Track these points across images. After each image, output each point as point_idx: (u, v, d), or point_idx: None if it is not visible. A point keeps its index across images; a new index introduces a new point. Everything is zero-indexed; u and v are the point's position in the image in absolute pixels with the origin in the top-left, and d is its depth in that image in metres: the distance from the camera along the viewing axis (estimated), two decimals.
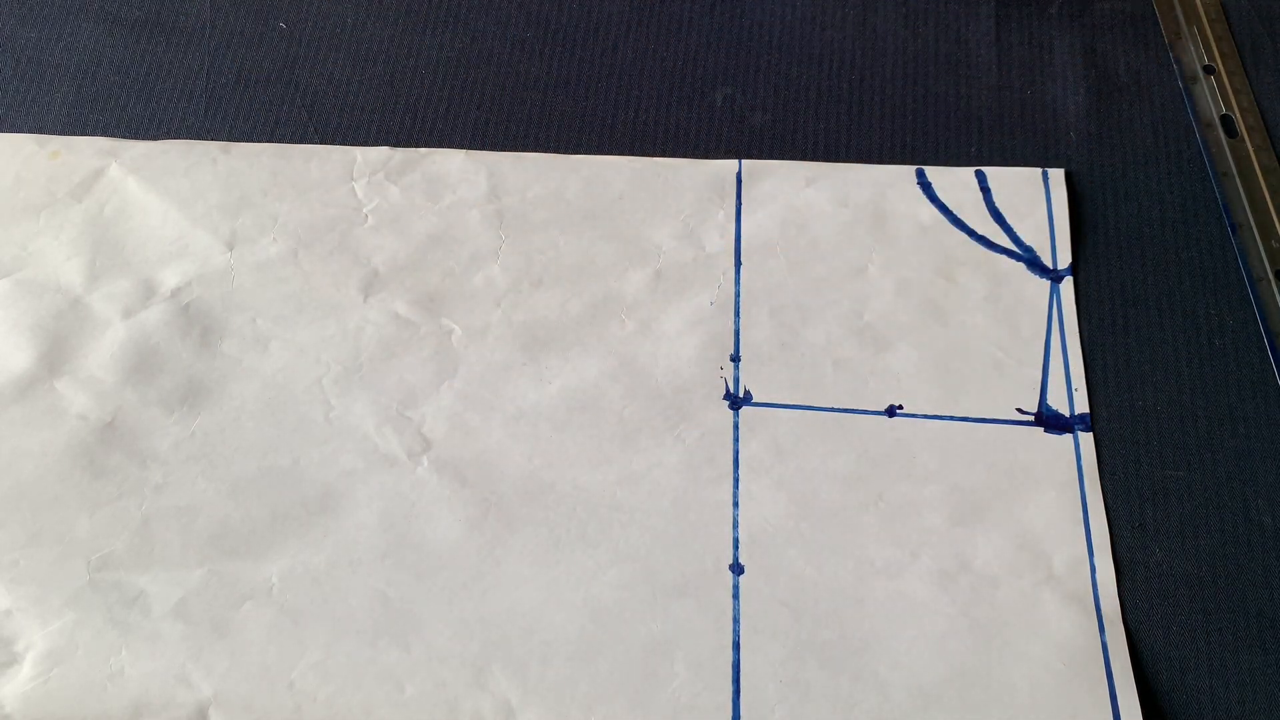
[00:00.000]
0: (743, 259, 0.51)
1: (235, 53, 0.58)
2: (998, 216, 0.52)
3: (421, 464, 0.46)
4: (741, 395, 0.48)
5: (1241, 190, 0.53)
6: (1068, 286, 0.50)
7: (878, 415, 0.47)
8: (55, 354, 0.48)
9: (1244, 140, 0.54)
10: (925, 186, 0.52)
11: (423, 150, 0.54)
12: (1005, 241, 0.51)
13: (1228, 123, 0.55)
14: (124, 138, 0.55)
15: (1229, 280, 0.51)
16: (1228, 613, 0.44)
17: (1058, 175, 0.53)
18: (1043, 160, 0.54)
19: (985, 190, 0.53)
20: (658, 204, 0.53)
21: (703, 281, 0.50)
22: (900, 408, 0.47)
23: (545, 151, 0.54)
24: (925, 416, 0.47)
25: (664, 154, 0.54)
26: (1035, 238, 0.51)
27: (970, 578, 0.44)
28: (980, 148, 0.54)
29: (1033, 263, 0.51)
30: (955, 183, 0.53)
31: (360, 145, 0.54)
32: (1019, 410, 0.47)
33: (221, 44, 0.58)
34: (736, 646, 0.43)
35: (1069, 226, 0.51)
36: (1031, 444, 0.47)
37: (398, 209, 0.52)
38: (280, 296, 0.50)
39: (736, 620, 0.43)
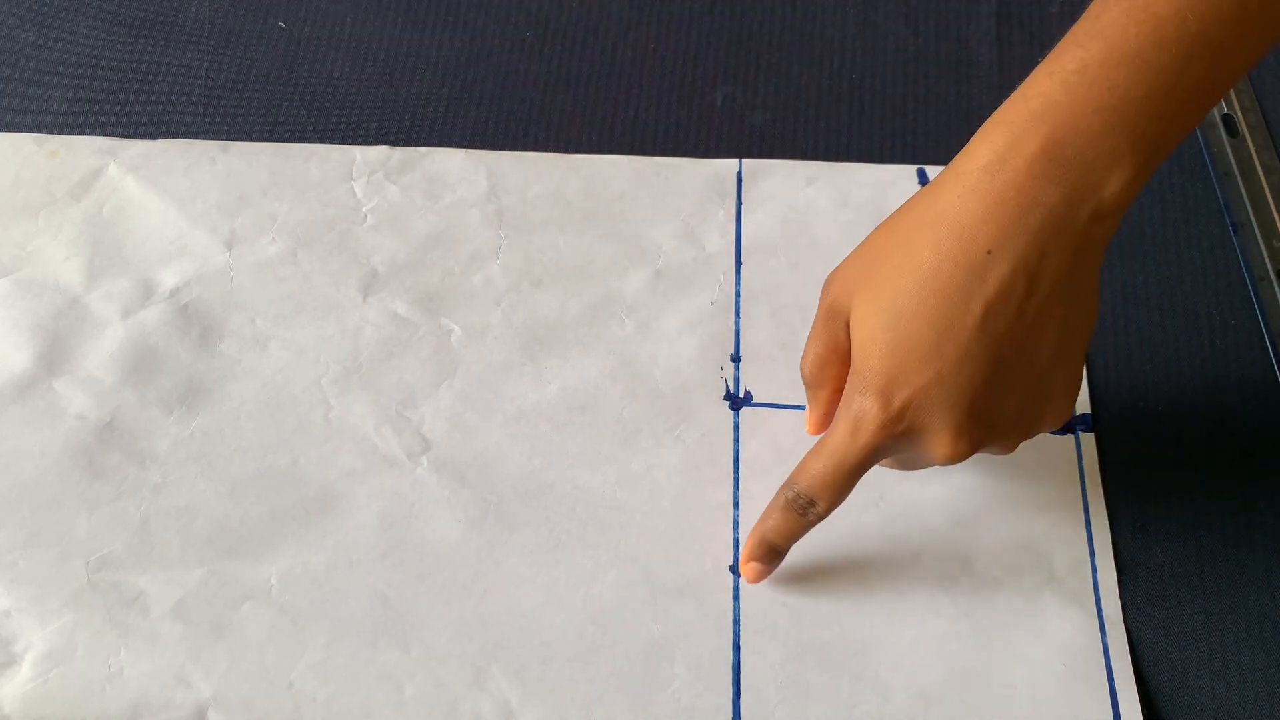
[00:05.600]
0: (743, 259, 0.51)
1: (234, 52, 0.57)
2: None
3: (421, 464, 0.46)
4: (741, 395, 0.48)
5: (1243, 189, 0.53)
6: None
7: None
8: (54, 354, 0.48)
9: (1245, 140, 0.54)
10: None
11: (422, 149, 0.54)
12: None
13: (1229, 122, 0.55)
14: (123, 137, 0.54)
15: (1230, 280, 0.51)
16: (1228, 613, 0.44)
17: None
18: None
19: None
20: (658, 204, 0.52)
21: (703, 281, 0.50)
22: None
23: (545, 151, 0.54)
24: None
25: (664, 154, 0.54)
26: None
27: (971, 579, 0.44)
28: None
29: None
30: None
31: (359, 145, 0.54)
32: None
33: (220, 43, 0.58)
34: (736, 648, 0.43)
35: None
36: (1033, 444, 0.46)
37: (397, 208, 0.52)
38: (279, 296, 0.50)
39: (736, 621, 0.43)
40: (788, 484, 0.40)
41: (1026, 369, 0.36)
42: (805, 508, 0.39)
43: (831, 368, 0.40)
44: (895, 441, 0.37)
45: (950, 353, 0.35)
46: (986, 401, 0.36)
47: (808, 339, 0.41)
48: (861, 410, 0.36)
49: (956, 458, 0.37)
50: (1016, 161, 0.35)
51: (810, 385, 0.41)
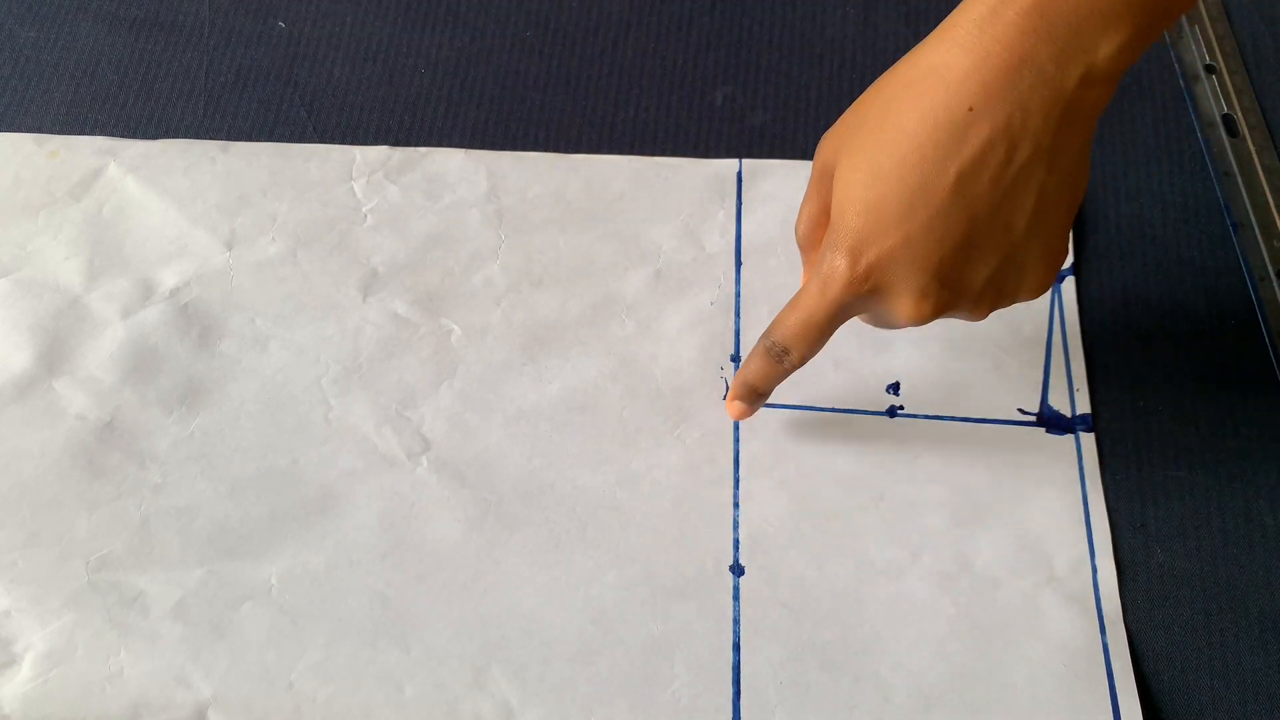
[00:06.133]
0: (743, 259, 0.51)
1: (234, 52, 0.57)
2: None
3: (421, 464, 0.46)
4: None
5: (1243, 189, 0.53)
6: (1069, 286, 0.50)
7: (878, 415, 0.47)
8: (54, 354, 0.48)
9: (1245, 139, 0.54)
10: None
11: (422, 149, 0.54)
12: None
13: (1229, 122, 0.55)
14: (123, 137, 0.54)
15: (1230, 280, 0.51)
16: (1228, 613, 0.44)
17: None
18: None
19: None
20: (658, 204, 0.52)
21: (703, 281, 0.50)
22: (901, 408, 0.47)
23: (545, 151, 0.54)
24: (926, 417, 0.47)
25: (664, 154, 0.54)
26: None
27: (971, 578, 0.44)
28: None
29: None
30: None
31: (359, 145, 0.54)
32: (1020, 410, 0.47)
33: (220, 43, 0.58)
34: (737, 648, 0.43)
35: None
36: (1033, 444, 0.47)
37: (397, 208, 0.52)
38: (279, 296, 0.50)
39: (737, 621, 0.43)
40: (766, 333, 0.41)
41: (1002, 235, 0.36)
42: (781, 355, 0.41)
43: (822, 229, 0.40)
44: (862, 300, 0.38)
45: (922, 215, 0.35)
46: (955, 265, 0.36)
47: (802, 201, 0.41)
48: (831, 267, 0.37)
49: (920, 319, 0.37)
50: (1009, 14, 0.34)
51: (803, 246, 0.42)
